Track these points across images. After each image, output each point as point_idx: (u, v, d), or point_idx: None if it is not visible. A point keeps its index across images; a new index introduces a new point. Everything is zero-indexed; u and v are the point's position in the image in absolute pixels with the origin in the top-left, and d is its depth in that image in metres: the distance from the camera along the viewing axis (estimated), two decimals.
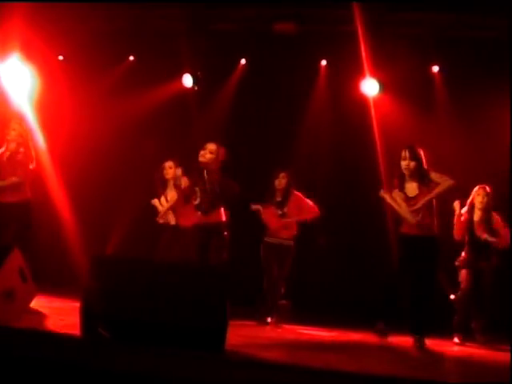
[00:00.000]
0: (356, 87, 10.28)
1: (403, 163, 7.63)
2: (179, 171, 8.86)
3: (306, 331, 8.34)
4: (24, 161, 8.45)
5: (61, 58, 11.35)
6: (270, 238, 9.08)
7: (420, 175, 7.60)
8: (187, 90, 10.79)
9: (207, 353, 5.09)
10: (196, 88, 10.77)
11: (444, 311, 8.56)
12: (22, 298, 6.08)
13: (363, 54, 9.77)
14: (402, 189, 7.70)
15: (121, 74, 11.29)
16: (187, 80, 10.73)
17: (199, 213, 8.17)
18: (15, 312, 6.01)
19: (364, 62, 9.88)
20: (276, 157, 10.59)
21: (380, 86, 10.08)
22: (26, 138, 8.60)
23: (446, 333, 8.34)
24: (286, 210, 9.04)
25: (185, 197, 8.27)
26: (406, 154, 7.63)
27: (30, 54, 10.39)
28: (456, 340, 8.20)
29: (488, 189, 8.43)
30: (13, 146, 8.44)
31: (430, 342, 7.56)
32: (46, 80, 10.62)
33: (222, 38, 10.61)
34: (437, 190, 7.49)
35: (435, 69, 10.36)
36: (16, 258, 5.96)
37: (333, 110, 10.75)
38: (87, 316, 5.20)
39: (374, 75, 10.03)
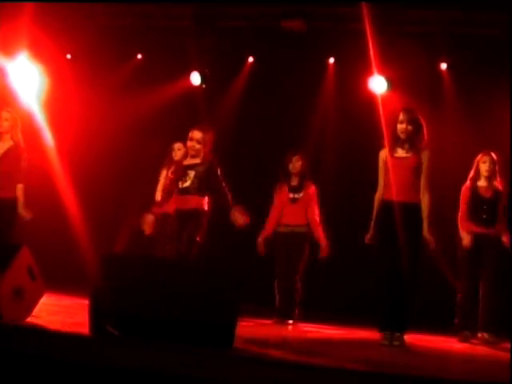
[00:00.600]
0: (364, 85, 10.27)
1: (400, 127, 7.12)
2: None
3: (313, 329, 8.31)
4: (17, 156, 8.30)
5: (69, 56, 11.37)
6: (280, 227, 8.90)
7: (414, 142, 7.11)
8: (195, 87, 10.80)
9: (216, 350, 5.09)
10: (204, 86, 10.79)
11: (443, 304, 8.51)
12: (31, 296, 6.07)
13: (371, 51, 9.74)
14: (392, 151, 7.20)
15: (129, 72, 11.32)
16: (195, 78, 10.74)
17: (180, 196, 7.79)
18: (24, 310, 6.02)
19: (372, 60, 9.86)
20: (283, 155, 10.58)
21: (388, 83, 10.06)
22: (17, 128, 8.37)
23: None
24: (299, 195, 8.84)
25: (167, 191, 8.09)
26: (403, 116, 7.14)
27: (38, 52, 10.40)
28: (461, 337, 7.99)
29: (494, 155, 8.21)
30: (7, 137, 8.30)
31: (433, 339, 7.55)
32: (54, 78, 10.64)
33: (230, 36, 10.63)
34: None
35: (443, 66, 10.34)
36: (25, 256, 5.96)
37: (341, 107, 10.75)
38: (96, 314, 5.21)
39: (382, 73, 10.02)
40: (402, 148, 7.15)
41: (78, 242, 10.64)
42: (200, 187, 7.61)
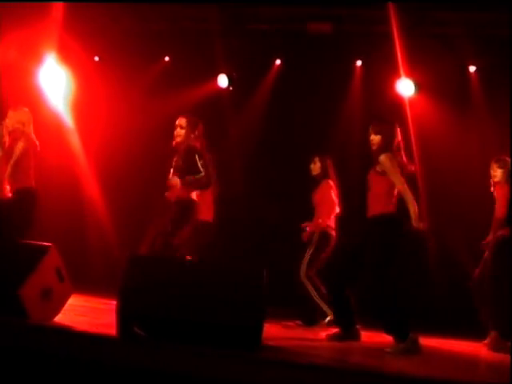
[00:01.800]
0: (391, 88, 10.24)
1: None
2: None
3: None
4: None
5: (96, 58, 11.42)
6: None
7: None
8: (222, 90, 10.82)
9: (243, 352, 5.09)
10: (231, 88, 10.81)
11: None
12: (59, 297, 6.10)
13: (398, 54, 9.71)
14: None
15: (156, 74, 11.35)
16: (222, 80, 10.76)
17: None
18: (51, 311, 6.05)
19: (399, 63, 9.83)
20: (310, 157, 10.58)
21: (416, 86, 10.03)
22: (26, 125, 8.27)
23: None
24: (314, 199, 8.78)
25: None
26: (370, 129, 7.05)
27: (66, 54, 10.47)
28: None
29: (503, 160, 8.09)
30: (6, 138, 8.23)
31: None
32: (82, 81, 10.70)
33: (258, 38, 10.63)
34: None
35: (472, 69, 10.28)
36: (53, 257, 5.99)
37: (368, 110, 10.70)
38: (123, 315, 5.22)
39: (410, 75, 9.98)
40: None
41: (105, 243, 10.72)
42: (180, 176, 7.62)
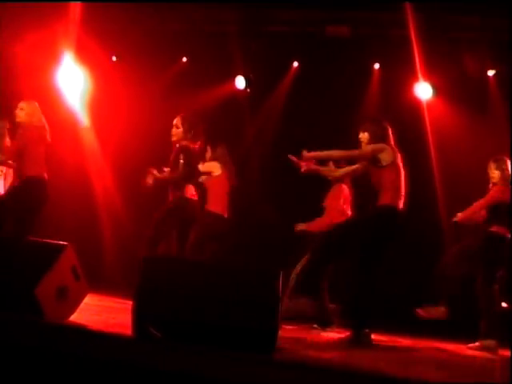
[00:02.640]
0: (409, 91, 10.22)
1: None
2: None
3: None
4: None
5: (114, 58, 11.44)
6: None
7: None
8: (240, 91, 10.83)
9: (257, 354, 5.07)
10: (248, 90, 10.82)
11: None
12: (75, 296, 6.11)
13: (416, 57, 9.69)
14: None
15: (173, 75, 11.36)
16: (240, 82, 10.77)
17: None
18: (67, 310, 6.05)
19: (417, 66, 9.81)
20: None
21: (433, 89, 10.00)
22: (33, 117, 8.39)
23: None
24: (324, 203, 8.77)
25: None
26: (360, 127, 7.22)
27: (84, 54, 10.49)
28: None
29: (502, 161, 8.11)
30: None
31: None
32: (99, 81, 10.72)
33: (275, 41, 10.64)
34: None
35: (490, 73, 10.24)
36: (69, 256, 6.00)
37: (385, 113, 10.65)
38: (139, 315, 5.22)
39: (428, 79, 9.96)
40: None
41: (121, 242, 10.74)
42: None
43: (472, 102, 10.05)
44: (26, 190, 8.17)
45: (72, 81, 10.53)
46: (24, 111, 8.36)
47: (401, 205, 6.96)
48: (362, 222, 7.17)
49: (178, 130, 8.19)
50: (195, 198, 8.49)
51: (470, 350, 7.72)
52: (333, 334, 7.92)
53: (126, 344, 5.16)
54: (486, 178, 8.07)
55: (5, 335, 4.91)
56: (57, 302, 5.90)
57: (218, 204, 8.60)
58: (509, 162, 8.03)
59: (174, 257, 6.56)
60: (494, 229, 7.94)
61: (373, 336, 7.05)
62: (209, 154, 8.81)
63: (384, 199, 6.95)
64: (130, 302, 5.40)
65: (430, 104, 10.14)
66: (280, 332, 5.42)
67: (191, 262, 5.94)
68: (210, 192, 8.62)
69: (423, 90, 10.06)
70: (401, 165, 7.06)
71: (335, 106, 10.82)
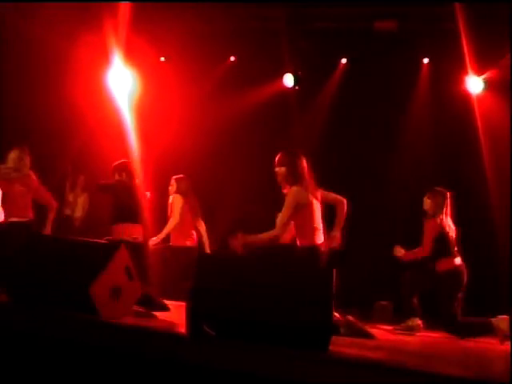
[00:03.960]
0: (459, 85, 10.12)
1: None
2: None
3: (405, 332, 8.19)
4: None
5: (162, 59, 11.50)
6: None
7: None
8: (288, 89, 10.82)
9: (311, 352, 5.07)
10: (297, 88, 10.81)
11: None
12: (128, 295, 6.17)
13: (466, 51, 9.59)
14: None
15: (222, 74, 11.39)
16: (288, 80, 10.77)
17: None
18: (121, 309, 6.11)
19: (467, 60, 9.71)
20: (378, 156, 10.53)
21: (484, 83, 9.89)
22: None
23: None
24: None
25: None
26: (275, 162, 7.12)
27: (133, 55, 10.56)
28: None
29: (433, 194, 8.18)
30: None
31: None
32: (148, 81, 10.78)
33: (323, 37, 10.60)
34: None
35: None
36: (123, 256, 6.06)
37: (435, 108, 10.60)
38: (194, 314, 5.25)
39: (478, 73, 9.86)
40: None
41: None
42: None
43: None
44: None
45: (121, 82, 10.60)
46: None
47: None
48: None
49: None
50: None
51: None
52: (387, 331, 7.94)
53: (180, 342, 5.20)
54: None
55: (61, 333, 4.98)
56: (111, 302, 5.97)
57: None
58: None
59: (228, 255, 6.56)
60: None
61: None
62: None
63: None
64: (182, 303, 5.44)
65: (480, 98, 10.02)
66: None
67: (244, 260, 5.95)
68: None
69: (473, 84, 9.95)
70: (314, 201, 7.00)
71: (384, 102, 10.76)
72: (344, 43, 10.80)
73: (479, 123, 9.94)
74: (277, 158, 7.08)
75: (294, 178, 6.93)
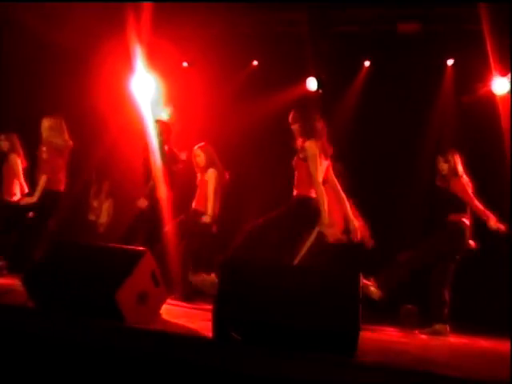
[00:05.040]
0: (484, 86, 10.06)
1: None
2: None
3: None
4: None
5: (185, 64, 11.52)
6: None
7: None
8: (311, 93, 10.80)
9: (338, 357, 5.04)
10: (320, 91, 10.78)
11: None
12: (154, 301, 6.16)
13: (490, 51, 9.53)
14: None
15: (245, 79, 11.39)
16: (311, 83, 10.74)
17: None
18: (147, 315, 6.10)
19: (491, 60, 9.65)
20: (401, 159, 10.48)
21: (510, 84, 9.83)
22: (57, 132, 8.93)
23: None
24: None
25: None
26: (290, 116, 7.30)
27: (155, 60, 10.60)
28: None
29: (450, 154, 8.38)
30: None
31: None
32: (171, 86, 10.79)
33: (346, 40, 10.60)
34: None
35: None
36: (148, 262, 6.05)
37: (460, 109, 10.54)
38: (219, 319, 5.23)
39: (503, 73, 9.79)
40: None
41: None
42: None
43: None
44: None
45: (144, 88, 10.63)
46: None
47: None
48: None
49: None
50: None
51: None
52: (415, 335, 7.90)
53: (206, 347, 5.18)
54: None
55: (87, 339, 4.97)
56: (137, 308, 5.95)
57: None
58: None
59: (253, 260, 6.54)
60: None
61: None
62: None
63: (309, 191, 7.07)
64: (207, 307, 5.43)
65: (505, 99, 9.95)
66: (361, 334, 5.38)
67: (270, 264, 5.92)
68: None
69: (499, 85, 9.88)
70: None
71: (409, 103, 10.73)
72: (367, 46, 10.80)
73: (504, 124, 9.87)
74: (290, 116, 7.25)
75: (309, 132, 7.07)
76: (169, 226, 8.68)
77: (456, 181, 8.28)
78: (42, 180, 8.73)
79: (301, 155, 7.11)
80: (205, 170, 9.01)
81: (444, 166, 8.36)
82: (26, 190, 9.44)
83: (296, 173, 7.20)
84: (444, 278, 8.12)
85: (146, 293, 6.03)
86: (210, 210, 8.94)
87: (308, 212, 7.01)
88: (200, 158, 9.05)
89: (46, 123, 8.87)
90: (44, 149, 8.83)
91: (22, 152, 9.55)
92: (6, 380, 4.65)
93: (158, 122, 8.91)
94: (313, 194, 7.02)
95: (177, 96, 10.79)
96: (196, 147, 9.09)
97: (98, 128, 10.95)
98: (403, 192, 10.46)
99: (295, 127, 7.22)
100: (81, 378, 4.61)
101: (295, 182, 7.18)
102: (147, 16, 9.83)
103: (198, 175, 9.11)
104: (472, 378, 4.95)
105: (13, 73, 11.09)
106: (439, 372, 5.12)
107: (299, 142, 7.18)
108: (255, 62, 11.53)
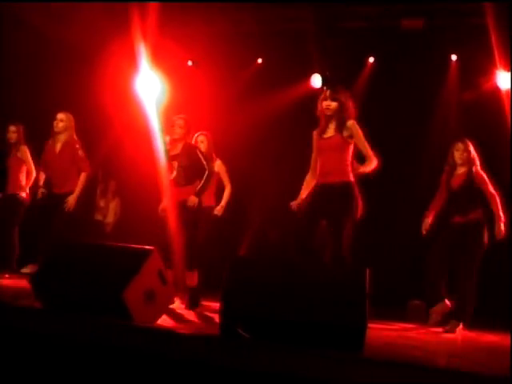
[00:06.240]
0: (489, 81, 10.05)
1: (324, 103, 6.99)
2: None
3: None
4: (72, 152, 8.93)
5: (190, 63, 11.53)
6: None
7: (339, 119, 6.98)
8: (316, 90, 10.80)
9: (346, 352, 5.04)
10: (325, 88, 10.77)
11: None
12: (162, 300, 6.16)
13: (495, 46, 9.52)
14: (322, 132, 7.06)
15: (249, 76, 11.39)
16: (316, 80, 10.74)
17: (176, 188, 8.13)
18: (155, 313, 6.11)
19: (496, 55, 9.64)
20: (406, 155, 10.47)
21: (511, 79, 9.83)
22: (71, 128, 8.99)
23: None
24: None
25: None
26: (327, 93, 7.03)
27: (160, 59, 10.61)
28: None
29: (468, 142, 8.15)
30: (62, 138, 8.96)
31: None
32: (175, 85, 10.80)
33: (350, 37, 10.59)
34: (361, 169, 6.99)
35: None
36: (155, 261, 6.05)
37: (464, 105, 10.53)
38: (226, 316, 5.24)
39: (507, 68, 9.78)
40: (329, 127, 7.06)
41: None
42: (188, 176, 8.11)
43: None
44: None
45: (149, 87, 10.64)
46: (64, 123, 8.92)
47: None
48: None
49: (182, 130, 8.28)
50: None
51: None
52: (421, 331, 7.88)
53: (213, 344, 5.19)
54: None
55: (95, 338, 4.99)
56: (145, 306, 5.96)
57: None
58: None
59: (260, 256, 6.56)
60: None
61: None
62: None
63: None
64: (213, 304, 5.43)
65: (510, 93, 9.93)
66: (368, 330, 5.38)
67: (277, 261, 5.93)
68: None
69: (503, 79, 9.88)
70: None
71: (413, 99, 10.72)
72: (371, 42, 10.79)
73: (509, 119, 9.86)
74: (329, 92, 7.03)
75: (350, 111, 7.04)
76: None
77: (478, 170, 8.13)
78: (83, 176, 8.88)
79: (345, 133, 6.93)
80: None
81: (464, 155, 8.13)
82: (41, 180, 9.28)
83: (326, 157, 6.99)
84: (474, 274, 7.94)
85: (153, 291, 6.03)
86: (224, 202, 9.09)
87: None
88: (203, 144, 9.00)
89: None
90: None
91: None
92: (16, 380, 4.67)
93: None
94: (352, 178, 6.92)
95: (182, 94, 10.80)
96: (199, 133, 9.01)
97: (103, 127, 10.96)
98: (408, 189, 10.44)
99: (334, 105, 6.99)
100: (90, 378, 4.62)
101: (326, 168, 6.95)
102: (152, 15, 9.85)
103: None
104: (479, 372, 4.95)
105: (19, 71, 11.12)
106: (447, 367, 5.13)
107: (338, 120, 7.00)
108: (260, 60, 11.52)
